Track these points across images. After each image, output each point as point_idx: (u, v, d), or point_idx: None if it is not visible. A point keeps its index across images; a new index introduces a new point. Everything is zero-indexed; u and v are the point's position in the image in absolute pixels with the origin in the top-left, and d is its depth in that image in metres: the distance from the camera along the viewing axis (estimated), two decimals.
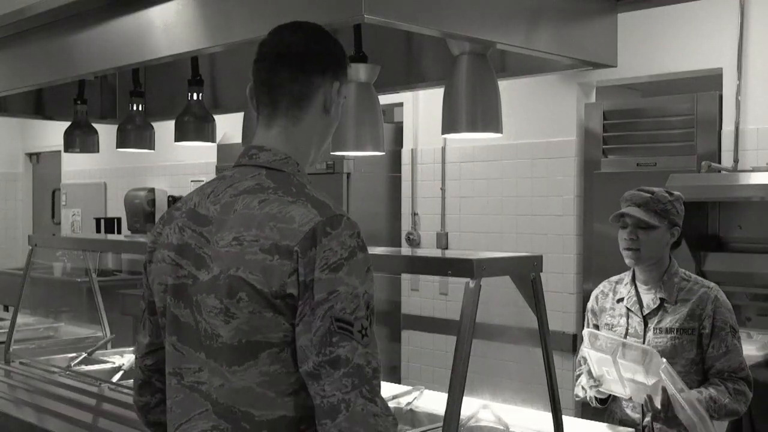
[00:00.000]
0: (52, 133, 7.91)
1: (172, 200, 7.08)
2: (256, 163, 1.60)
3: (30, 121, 8.01)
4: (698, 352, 2.73)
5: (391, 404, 2.85)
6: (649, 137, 4.32)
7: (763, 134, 3.87)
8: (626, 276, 2.89)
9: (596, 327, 2.89)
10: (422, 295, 5.28)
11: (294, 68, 1.61)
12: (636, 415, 2.75)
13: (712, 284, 2.80)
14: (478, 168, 4.99)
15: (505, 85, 2.64)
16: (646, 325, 2.77)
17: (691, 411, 2.53)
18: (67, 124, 4.21)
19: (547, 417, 2.37)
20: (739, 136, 3.93)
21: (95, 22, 2.93)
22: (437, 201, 5.20)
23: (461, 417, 2.13)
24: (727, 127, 3.98)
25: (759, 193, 3.49)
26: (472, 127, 2.52)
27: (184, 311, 1.57)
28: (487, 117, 2.51)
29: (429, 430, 2.58)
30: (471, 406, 2.55)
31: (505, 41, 2.40)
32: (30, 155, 9.21)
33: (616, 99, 4.71)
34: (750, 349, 3.42)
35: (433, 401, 2.82)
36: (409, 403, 2.83)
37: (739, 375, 2.71)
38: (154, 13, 2.70)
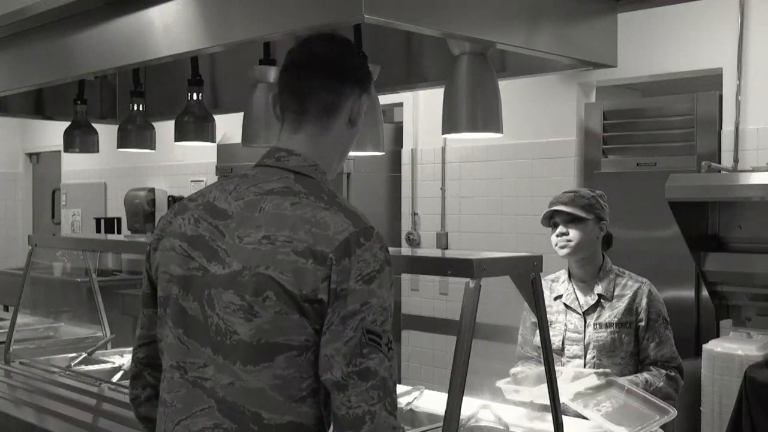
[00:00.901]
0: (52, 133, 7.90)
1: (172, 200, 7.07)
2: (285, 166, 1.61)
3: (30, 121, 8.01)
4: (636, 345, 2.90)
5: None
6: (649, 137, 4.32)
7: (763, 134, 3.87)
8: (562, 274, 3.03)
9: (534, 325, 2.99)
10: (422, 295, 5.28)
11: (327, 77, 1.64)
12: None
13: (644, 279, 2.97)
14: (478, 168, 4.99)
15: (505, 85, 2.64)
16: (585, 321, 2.90)
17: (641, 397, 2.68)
18: (67, 124, 4.21)
19: (547, 417, 2.37)
20: (739, 136, 3.93)
21: (95, 22, 2.93)
22: (437, 201, 5.20)
23: (461, 417, 2.13)
24: (727, 127, 3.98)
25: (759, 193, 3.49)
26: (472, 127, 2.51)
27: (193, 304, 1.56)
28: (487, 117, 2.51)
29: (429, 430, 2.58)
30: (471, 406, 2.55)
31: (505, 41, 2.40)
32: (30, 155, 9.21)
33: (616, 99, 4.71)
34: (750, 349, 3.42)
35: (433, 401, 2.82)
36: (409, 403, 2.83)
37: (671, 364, 2.90)
38: (154, 13, 2.70)
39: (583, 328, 2.91)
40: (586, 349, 2.88)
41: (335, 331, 1.44)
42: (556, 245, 2.93)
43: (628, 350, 2.88)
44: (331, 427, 1.50)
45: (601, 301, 2.92)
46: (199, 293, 1.55)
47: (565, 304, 2.95)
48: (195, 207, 1.64)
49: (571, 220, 2.91)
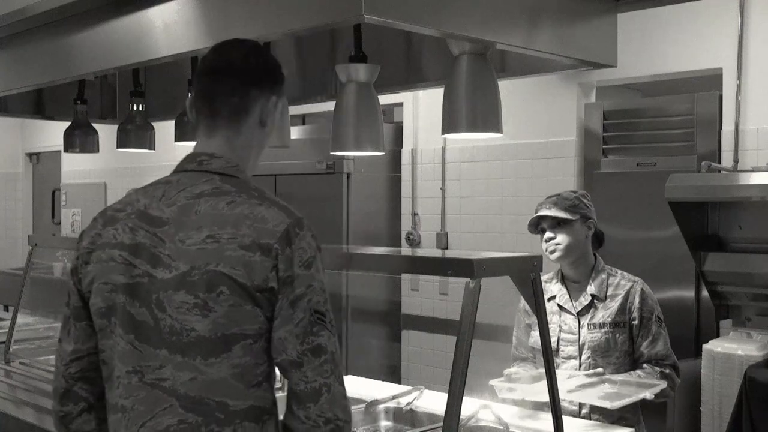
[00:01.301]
0: (52, 133, 7.90)
1: None
2: (208, 169, 1.69)
3: (30, 121, 8.01)
4: (630, 344, 2.90)
5: (391, 404, 2.86)
6: (649, 137, 4.32)
7: (763, 134, 3.87)
8: (554, 275, 3.02)
9: (529, 326, 3.01)
10: (422, 295, 5.28)
11: (235, 81, 1.73)
12: (573, 407, 2.86)
13: (637, 278, 2.97)
14: (478, 168, 4.99)
15: (505, 85, 2.64)
16: (579, 322, 2.91)
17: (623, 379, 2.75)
18: (67, 124, 4.21)
19: (547, 417, 2.37)
20: (739, 136, 3.93)
21: (95, 22, 2.93)
22: (437, 201, 5.20)
23: (461, 417, 2.13)
24: (727, 127, 3.98)
25: (759, 193, 3.49)
26: (472, 127, 2.52)
27: (140, 310, 1.61)
28: (487, 117, 2.51)
29: (429, 430, 2.59)
30: (471, 406, 2.55)
31: (505, 41, 2.40)
32: (30, 155, 9.21)
33: (616, 99, 4.71)
34: (750, 349, 3.42)
35: (433, 401, 2.82)
36: (409, 403, 2.83)
37: (666, 361, 2.90)
38: (154, 13, 2.70)
39: (577, 328, 2.91)
40: (581, 349, 2.89)
41: (286, 315, 1.56)
42: (546, 250, 2.93)
43: (623, 350, 2.88)
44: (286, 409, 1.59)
45: (595, 301, 2.92)
46: (147, 298, 1.61)
47: (558, 305, 2.95)
48: (126, 216, 1.69)
49: (557, 223, 2.90)
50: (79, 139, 4.14)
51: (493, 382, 2.76)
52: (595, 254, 3.00)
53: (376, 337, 5.43)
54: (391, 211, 5.43)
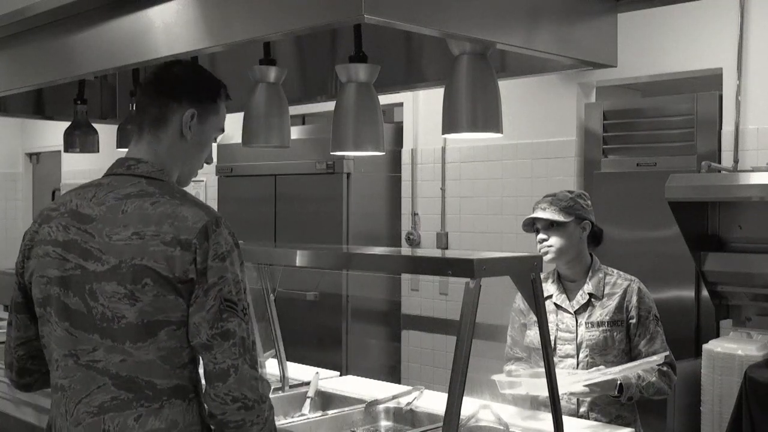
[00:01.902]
0: (52, 133, 7.90)
1: None
2: (135, 173, 1.89)
3: (30, 121, 8.01)
4: (627, 343, 2.91)
5: (391, 404, 2.86)
6: (649, 137, 4.32)
7: (763, 134, 3.87)
8: (550, 275, 3.02)
9: (524, 326, 3.02)
10: (422, 295, 5.28)
11: (157, 94, 1.95)
12: (572, 406, 2.87)
13: (633, 277, 2.97)
14: (478, 168, 4.99)
15: (505, 85, 2.64)
16: (576, 320, 2.92)
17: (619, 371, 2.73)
18: (67, 124, 4.21)
19: (547, 417, 2.37)
20: (739, 136, 3.93)
21: (95, 22, 2.93)
22: (437, 201, 5.20)
23: (461, 417, 2.13)
24: (727, 127, 3.98)
25: (759, 193, 3.49)
26: (473, 127, 2.51)
27: (74, 299, 1.81)
28: (487, 117, 2.51)
29: (429, 430, 2.59)
30: (471, 406, 2.55)
31: (505, 41, 2.40)
32: (30, 155, 9.21)
33: (616, 99, 4.71)
34: (750, 349, 3.42)
35: (433, 401, 2.82)
36: (409, 403, 2.83)
37: (664, 360, 2.88)
38: (154, 13, 2.70)
39: (575, 327, 2.92)
40: (578, 348, 2.89)
41: (200, 302, 1.75)
42: (539, 251, 2.93)
43: (620, 348, 2.88)
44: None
45: (592, 300, 2.92)
46: (81, 289, 1.80)
47: (555, 304, 2.95)
48: (60, 215, 1.90)
49: (551, 224, 2.91)
50: (79, 139, 4.14)
51: (496, 376, 2.76)
52: (591, 254, 3.00)
53: (376, 337, 5.43)
54: (391, 211, 5.43)
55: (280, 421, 2.84)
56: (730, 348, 3.47)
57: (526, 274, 2.26)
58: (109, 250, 1.78)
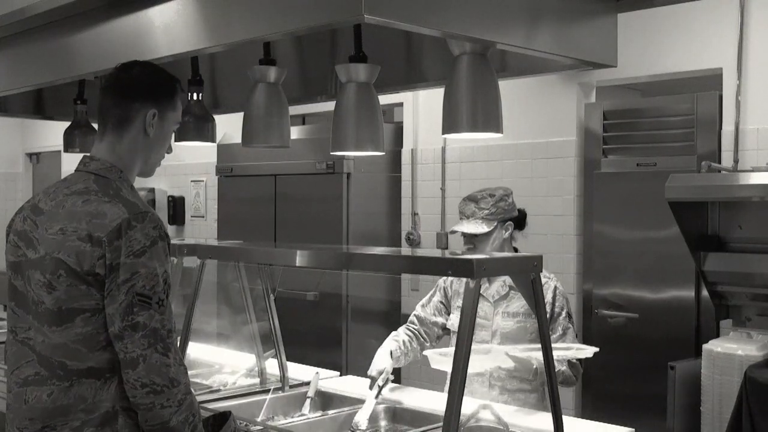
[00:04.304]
0: (52, 133, 7.90)
1: (172, 200, 7.08)
2: (87, 170, 2.08)
3: (30, 121, 8.00)
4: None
5: (389, 404, 2.86)
6: (649, 137, 4.32)
7: (763, 134, 3.87)
8: None
9: (443, 305, 3.20)
10: (422, 295, 5.24)
11: (119, 96, 2.11)
12: (483, 389, 3.01)
13: (551, 275, 3.12)
14: (478, 168, 4.99)
15: (505, 85, 2.64)
16: (494, 309, 3.08)
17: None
18: (67, 124, 4.21)
19: (547, 417, 2.38)
20: (739, 136, 3.93)
21: (95, 22, 2.93)
22: (437, 201, 5.20)
23: (461, 417, 2.13)
24: (727, 127, 3.98)
25: (759, 193, 3.49)
26: (473, 127, 2.51)
27: (20, 282, 2.05)
28: (487, 117, 2.51)
29: (429, 430, 2.59)
30: (471, 406, 2.55)
31: (505, 41, 2.40)
32: (30, 155, 9.21)
33: (616, 99, 4.71)
34: (750, 349, 3.41)
35: (433, 401, 2.82)
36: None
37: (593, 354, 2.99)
38: (154, 13, 2.70)
39: (492, 315, 3.07)
40: (492, 335, 3.03)
41: (113, 296, 1.91)
42: (463, 250, 3.06)
43: (532, 339, 2.97)
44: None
45: (511, 291, 3.06)
46: (23, 274, 2.03)
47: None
48: (27, 207, 2.12)
49: (475, 234, 3.05)
50: (79, 139, 4.14)
51: (428, 352, 2.86)
52: (515, 248, 3.15)
53: (376, 337, 5.41)
54: (391, 211, 5.43)
55: (280, 421, 2.84)
56: (730, 348, 3.46)
57: (525, 274, 2.26)
58: (42, 242, 2.00)
